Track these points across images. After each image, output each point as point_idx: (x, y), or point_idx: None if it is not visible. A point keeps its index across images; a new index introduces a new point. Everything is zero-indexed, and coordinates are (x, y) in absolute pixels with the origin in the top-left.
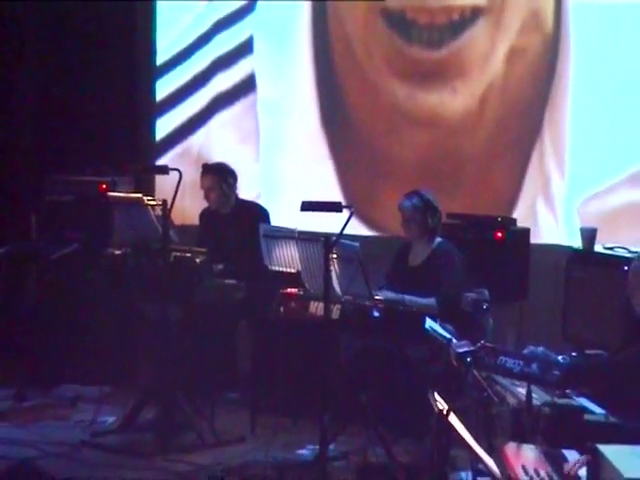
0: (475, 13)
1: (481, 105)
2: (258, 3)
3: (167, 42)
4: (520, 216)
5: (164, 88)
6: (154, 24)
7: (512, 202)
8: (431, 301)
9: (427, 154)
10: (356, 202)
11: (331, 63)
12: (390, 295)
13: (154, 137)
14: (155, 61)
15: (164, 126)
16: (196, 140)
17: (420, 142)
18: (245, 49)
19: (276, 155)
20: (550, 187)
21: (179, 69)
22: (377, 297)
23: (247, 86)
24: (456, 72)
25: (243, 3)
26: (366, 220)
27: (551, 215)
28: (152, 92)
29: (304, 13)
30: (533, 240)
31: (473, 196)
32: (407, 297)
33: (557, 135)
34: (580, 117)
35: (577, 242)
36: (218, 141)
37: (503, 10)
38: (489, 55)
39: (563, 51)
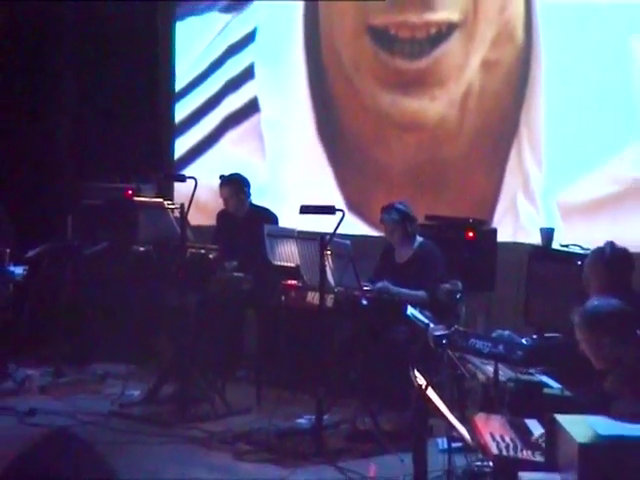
0: (450, 28)
1: (461, 110)
2: (258, 33)
3: (185, 67)
4: (502, 210)
5: (182, 110)
6: (173, 54)
7: (494, 198)
8: (422, 293)
9: (412, 157)
10: (352, 203)
11: (324, 79)
12: (392, 288)
13: (173, 152)
14: (174, 87)
15: (183, 143)
16: (210, 155)
17: (405, 146)
18: (248, 74)
19: (280, 166)
20: (529, 183)
21: (194, 93)
22: (367, 288)
23: (252, 107)
24: (434, 81)
25: (246, 33)
26: (360, 218)
27: (532, 208)
28: (172, 113)
29: (298, 36)
30: (503, 239)
31: (457, 194)
32: (403, 290)
33: (534, 134)
34: (554, 116)
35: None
36: (229, 156)
37: (475, 25)
38: (464, 65)
39: (535, 58)
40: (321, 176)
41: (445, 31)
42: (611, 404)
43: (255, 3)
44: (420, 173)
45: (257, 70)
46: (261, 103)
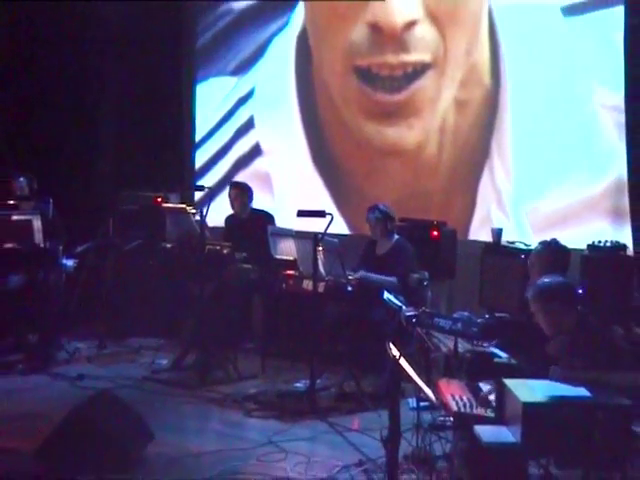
0: (424, 67)
1: (438, 138)
2: (256, 89)
3: (203, 119)
4: (478, 221)
5: (202, 156)
6: (194, 110)
7: (470, 212)
8: (393, 279)
9: (394, 177)
10: (345, 211)
11: (316, 114)
12: (370, 275)
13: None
14: (194, 136)
15: (202, 181)
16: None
17: (387, 168)
18: (251, 124)
19: (286, 196)
20: (502, 198)
21: (210, 141)
22: (350, 277)
23: (256, 151)
24: (411, 112)
25: (248, 90)
26: (347, 222)
27: (505, 219)
28: (193, 159)
29: (291, 82)
30: (464, 237)
31: (437, 209)
32: (379, 276)
33: (504, 157)
34: (521, 142)
35: (527, 239)
36: None
37: (445, 65)
38: (436, 99)
39: (502, 97)
40: (320, 197)
41: (419, 69)
42: (549, 369)
43: (256, 65)
44: (402, 190)
45: (256, 121)
46: (263, 146)
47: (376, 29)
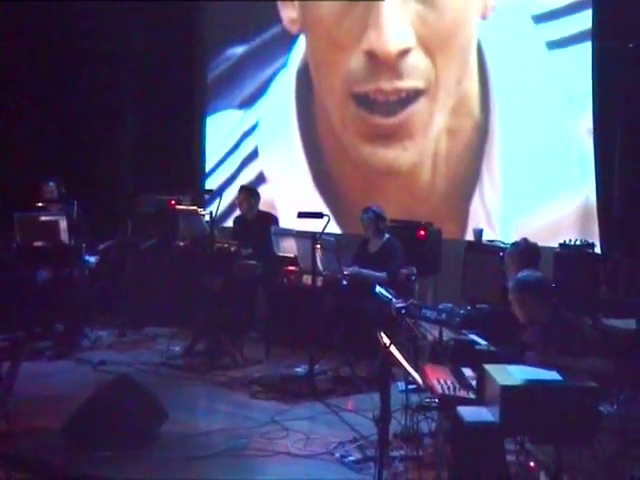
0: (417, 93)
1: (431, 161)
2: (260, 122)
3: (213, 149)
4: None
5: (211, 184)
6: (204, 142)
7: (462, 229)
8: (384, 274)
9: (389, 195)
10: (345, 227)
11: (316, 140)
12: (362, 270)
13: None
14: (205, 167)
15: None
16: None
17: (383, 187)
18: (255, 154)
19: (289, 218)
20: (491, 217)
21: (219, 170)
22: (345, 272)
23: (261, 179)
24: (405, 135)
25: (253, 123)
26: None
27: (494, 235)
28: (202, 184)
29: (292, 115)
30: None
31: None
32: (369, 272)
33: (494, 179)
34: (509, 165)
35: None
36: None
37: (437, 92)
38: (429, 123)
39: (491, 125)
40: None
41: (412, 95)
42: (524, 355)
43: (260, 100)
44: (397, 209)
45: (260, 150)
46: (266, 174)
47: (372, 56)
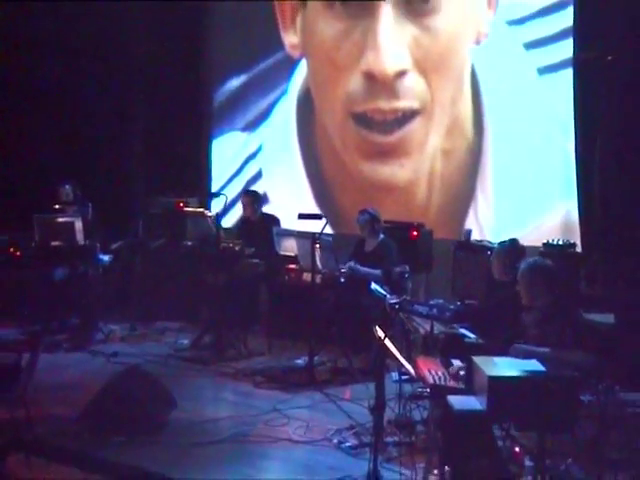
0: (413, 113)
1: (428, 180)
2: (263, 146)
3: (218, 171)
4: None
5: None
6: (210, 163)
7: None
8: (379, 272)
9: (387, 211)
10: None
11: (317, 159)
12: (359, 267)
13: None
14: (211, 187)
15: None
16: None
17: (381, 202)
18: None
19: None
20: (484, 230)
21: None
22: (343, 270)
23: (265, 200)
24: (402, 152)
25: (256, 146)
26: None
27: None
28: (209, 188)
29: (294, 138)
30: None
31: None
32: (365, 269)
33: (487, 197)
34: (502, 183)
35: None
36: None
37: (432, 112)
38: (424, 141)
39: (484, 145)
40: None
41: (409, 115)
42: (510, 347)
43: (263, 124)
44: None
45: (264, 173)
46: (270, 196)
47: (370, 77)
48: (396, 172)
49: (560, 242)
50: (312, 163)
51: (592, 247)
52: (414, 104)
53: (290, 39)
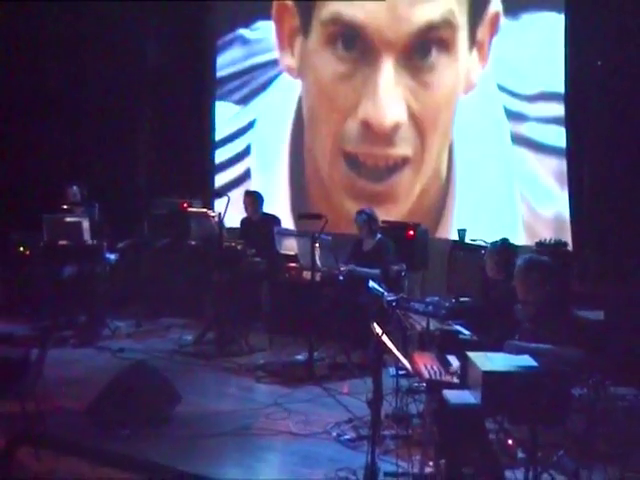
0: (404, 161)
1: (409, 216)
2: (257, 121)
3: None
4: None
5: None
6: (213, 163)
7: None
8: (377, 271)
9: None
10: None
11: (306, 195)
12: (357, 268)
13: (214, 185)
14: (214, 137)
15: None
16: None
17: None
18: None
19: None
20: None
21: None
22: (342, 268)
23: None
24: (389, 199)
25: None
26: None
27: None
28: (213, 159)
29: (284, 160)
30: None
31: None
32: (364, 269)
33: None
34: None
35: None
36: None
37: (421, 161)
38: (410, 189)
39: (451, 187)
40: None
41: (400, 163)
42: (503, 343)
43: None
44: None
45: (253, 174)
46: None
47: (367, 125)
48: (381, 216)
49: (552, 241)
50: (300, 194)
51: (582, 246)
52: (407, 152)
53: (287, 61)
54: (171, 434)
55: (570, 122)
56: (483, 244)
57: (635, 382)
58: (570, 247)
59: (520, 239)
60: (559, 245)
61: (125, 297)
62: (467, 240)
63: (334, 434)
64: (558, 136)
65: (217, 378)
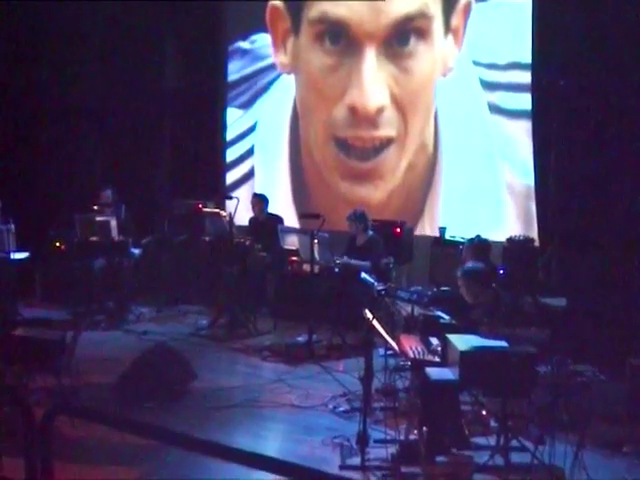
0: (389, 141)
1: (391, 195)
2: (258, 125)
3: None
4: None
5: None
6: (224, 171)
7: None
8: (368, 263)
9: None
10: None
11: (304, 181)
12: (350, 260)
13: (225, 183)
14: (225, 136)
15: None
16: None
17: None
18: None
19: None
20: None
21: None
22: (337, 261)
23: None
24: (376, 176)
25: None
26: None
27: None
28: (224, 158)
29: (284, 155)
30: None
31: None
32: (356, 262)
33: (435, 210)
34: (450, 198)
35: None
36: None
37: (405, 140)
38: (396, 167)
39: (438, 161)
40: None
41: (385, 143)
42: (478, 327)
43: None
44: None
45: (256, 172)
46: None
47: (353, 110)
48: (371, 193)
49: (521, 237)
50: (299, 182)
51: (547, 242)
52: (391, 133)
53: (281, 59)
54: (188, 406)
55: (536, 90)
56: (461, 240)
57: (593, 360)
58: (537, 243)
59: (504, 208)
60: (527, 241)
61: (148, 286)
62: (447, 237)
63: (331, 406)
64: (527, 102)
65: (228, 357)
